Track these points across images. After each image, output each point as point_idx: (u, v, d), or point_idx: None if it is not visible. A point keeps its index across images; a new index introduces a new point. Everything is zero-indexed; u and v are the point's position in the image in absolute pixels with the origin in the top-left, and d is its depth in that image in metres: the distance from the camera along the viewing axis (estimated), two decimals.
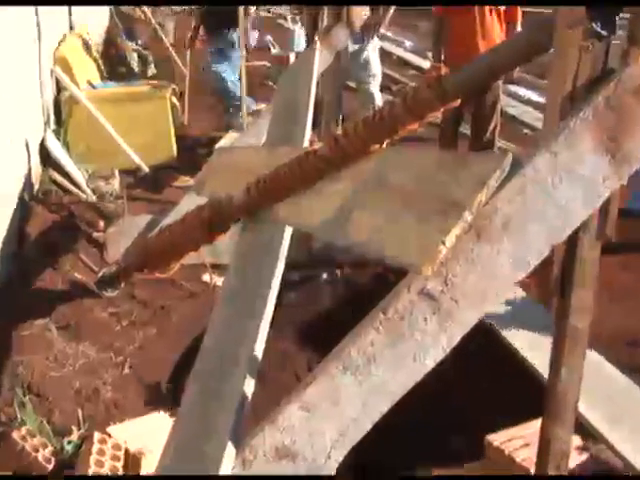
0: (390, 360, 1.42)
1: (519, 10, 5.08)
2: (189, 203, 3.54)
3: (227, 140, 6.08)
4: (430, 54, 7.56)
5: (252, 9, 6.93)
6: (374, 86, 6.04)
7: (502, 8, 5.01)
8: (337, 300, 4.28)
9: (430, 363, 1.45)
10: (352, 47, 5.69)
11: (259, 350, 1.68)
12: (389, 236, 1.49)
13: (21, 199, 4.79)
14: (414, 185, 1.55)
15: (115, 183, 5.52)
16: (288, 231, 2.18)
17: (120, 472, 2.80)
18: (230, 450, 1.47)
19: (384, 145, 1.85)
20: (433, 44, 5.37)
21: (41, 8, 5.55)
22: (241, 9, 6.14)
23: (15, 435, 2.92)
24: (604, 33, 1.60)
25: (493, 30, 4.97)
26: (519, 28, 5.00)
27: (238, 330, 1.85)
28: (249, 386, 1.59)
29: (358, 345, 1.42)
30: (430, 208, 1.42)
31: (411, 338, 1.43)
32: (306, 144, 2.78)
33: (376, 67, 6.06)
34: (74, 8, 7.33)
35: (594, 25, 1.60)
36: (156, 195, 5.58)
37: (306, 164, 1.97)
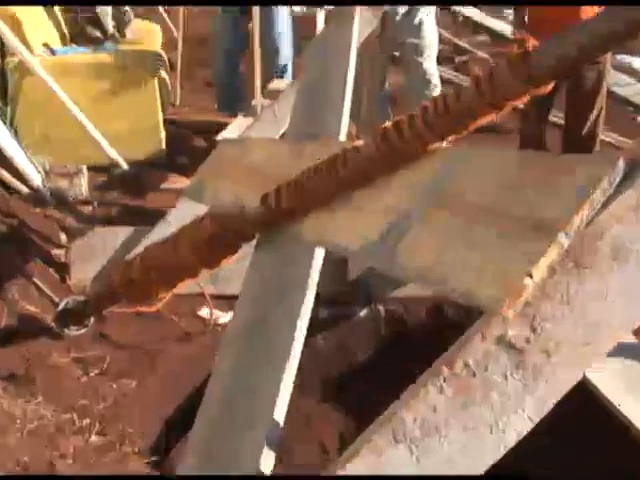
0: (458, 430, 1.44)
1: None
2: (184, 213, 3.60)
3: (235, 128, 6.09)
4: (509, 13, 7.62)
5: None
6: (428, 59, 6.05)
7: None
8: (379, 346, 4.29)
9: (512, 436, 1.46)
10: (402, 7, 5.73)
11: (280, 413, 1.71)
12: (456, 264, 1.51)
13: None
14: (489, 197, 1.57)
15: (82, 183, 5.57)
16: (318, 254, 2.21)
17: None
18: None
19: (448, 143, 1.88)
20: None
21: None
22: None
23: None
24: None
25: None
26: None
27: (252, 384, 1.88)
28: (267, 462, 1.62)
29: (415, 409, 1.44)
30: (511, 228, 1.45)
31: (486, 402, 1.45)
32: (343, 138, 2.82)
33: (432, 34, 6.08)
34: None
35: None
36: (138, 200, 5.60)
37: (344, 166, 2.00)
